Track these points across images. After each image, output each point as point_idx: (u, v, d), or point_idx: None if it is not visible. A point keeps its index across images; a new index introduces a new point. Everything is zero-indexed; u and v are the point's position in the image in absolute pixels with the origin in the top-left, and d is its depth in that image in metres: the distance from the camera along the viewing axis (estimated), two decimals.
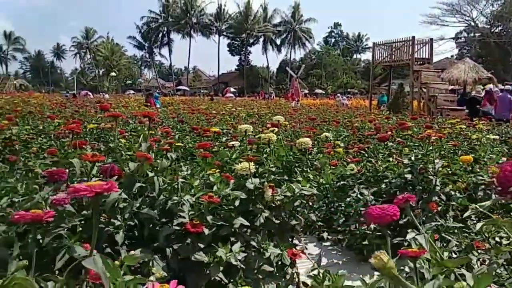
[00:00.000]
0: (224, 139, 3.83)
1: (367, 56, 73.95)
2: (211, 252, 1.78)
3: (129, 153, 1.87)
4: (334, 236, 2.96)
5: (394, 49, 17.12)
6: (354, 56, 74.89)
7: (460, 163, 2.92)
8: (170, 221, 1.83)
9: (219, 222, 1.87)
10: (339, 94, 38.69)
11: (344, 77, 60.76)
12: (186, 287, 0.72)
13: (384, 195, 2.79)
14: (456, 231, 2.57)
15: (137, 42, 63.13)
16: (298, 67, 52.63)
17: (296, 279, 2.21)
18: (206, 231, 1.75)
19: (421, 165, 2.69)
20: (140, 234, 1.77)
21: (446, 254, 0.94)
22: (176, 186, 1.85)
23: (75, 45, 67.42)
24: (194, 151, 3.43)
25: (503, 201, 2.56)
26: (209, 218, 1.83)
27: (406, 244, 1.66)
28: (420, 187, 2.70)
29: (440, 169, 2.69)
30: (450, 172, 2.79)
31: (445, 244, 2.29)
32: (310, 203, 2.54)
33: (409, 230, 2.32)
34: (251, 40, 64.20)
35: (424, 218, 2.56)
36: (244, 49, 65.17)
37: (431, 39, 16.95)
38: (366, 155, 3.20)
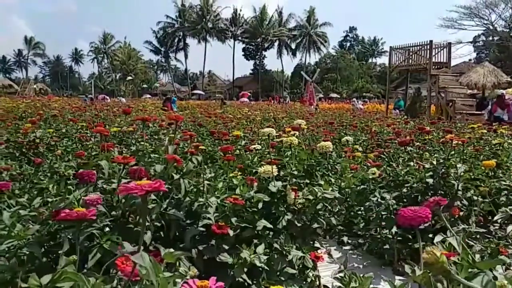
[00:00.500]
0: (243, 142, 3.86)
1: (382, 60, 73.44)
2: (235, 253, 1.81)
3: (155, 155, 1.92)
4: (354, 240, 2.95)
5: (411, 53, 16.97)
6: (370, 60, 74.37)
7: (482, 168, 2.89)
8: (195, 222, 1.86)
9: (243, 224, 1.90)
10: (354, 99, 38.46)
11: (359, 81, 60.37)
12: None
13: (405, 200, 2.78)
14: (478, 236, 2.55)
15: (154, 46, 63.90)
16: (313, 71, 52.48)
17: (317, 282, 2.23)
18: (231, 232, 1.78)
19: (443, 170, 2.67)
20: (166, 234, 1.81)
21: (477, 256, 0.94)
22: (201, 188, 1.89)
23: (93, 50, 68.63)
24: (214, 154, 3.48)
25: None
26: (233, 220, 1.86)
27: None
28: (442, 192, 2.69)
29: (462, 173, 2.67)
30: (472, 177, 2.76)
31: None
32: (330, 207, 2.55)
33: (430, 235, 2.31)
34: (266, 45, 64.35)
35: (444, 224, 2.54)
36: (259, 53, 65.37)
37: (449, 43, 16.74)
38: (386, 159, 3.19)
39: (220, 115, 9.10)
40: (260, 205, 1.97)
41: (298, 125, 2.56)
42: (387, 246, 2.66)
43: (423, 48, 16.46)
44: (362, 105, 25.98)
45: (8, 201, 1.78)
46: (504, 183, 2.78)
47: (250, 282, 1.83)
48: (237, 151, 2.84)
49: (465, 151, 3.26)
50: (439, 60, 16.46)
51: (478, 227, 2.57)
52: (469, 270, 1.02)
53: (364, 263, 2.67)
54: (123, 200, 1.60)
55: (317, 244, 2.33)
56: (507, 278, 0.85)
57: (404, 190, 2.78)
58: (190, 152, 1.95)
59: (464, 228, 2.46)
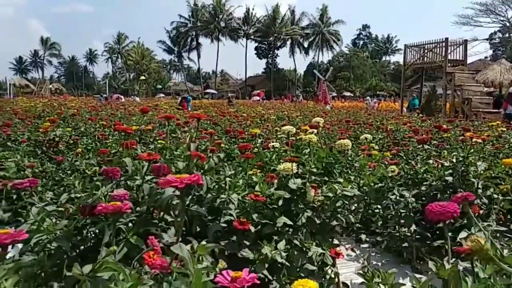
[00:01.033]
0: (259, 141, 3.88)
1: (396, 58, 72.77)
2: (256, 249, 1.83)
3: (177, 153, 1.95)
4: (372, 238, 2.95)
5: (426, 51, 16.78)
6: (383, 58, 73.75)
7: (502, 166, 2.86)
8: (216, 218, 1.89)
9: (263, 221, 1.92)
10: (368, 97, 38.17)
11: (373, 80, 59.90)
12: None
13: (424, 198, 2.76)
14: (498, 234, 2.53)
15: (167, 46, 64.38)
16: (326, 70, 52.28)
17: (336, 279, 2.24)
18: (252, 228, 1.80)
19: (462, 168, 2.65)
20: (188, 230, 1.84)
21: (506, 251, 0.95)
22: (222, 185, 1.92)
23: (107, 50, 69.48)
24: (231, 152, 3.50)
25: None
26: (254, 216, 1.88)
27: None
28: (461, 190, 2.67)
29: (482, 172, 2.65)
30: (492, 175, 2.74)
31: None
32: (348, 205, 2.55)
33: (450, 233, 2.30)
34: (279, 43, 64.27)
35: (465, 221, 2.53)
36: (271, 52, 65.33)
37: (465, 40, 16.53)
38: (404, 157, 3.18)
39: (233, 114, 9.15)
40: (280, 202, 1.99)
41: (316, 123, 2.57)
42: (405, 244, 2.65)
43: (438, 46, 16.27)
44: (377, 103, 25.77)
45: (33, 197, 1.84)
46: None
47: (271, 278, 1.85)
48: (255, 149, 2.86)
49: (484, 149, 3.23)
50: (455, 58, 16.27)
51: (498, 225, 2.56)
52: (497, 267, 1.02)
53: (383, 261, 2.67)
54: (148, 196, 1.63)
55: (335, 241, 2.33)
56: None
57: (423, 188, 2.76)
58: (211, 149, 1.98)
59: (484, 227, 2.44)
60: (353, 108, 19.04)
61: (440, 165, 2.82)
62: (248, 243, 1.86)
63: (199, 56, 64.34)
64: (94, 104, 14.53)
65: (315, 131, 2.60)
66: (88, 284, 0.78)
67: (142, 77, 52.65)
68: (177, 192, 1.65)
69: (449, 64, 15.83)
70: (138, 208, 1.68)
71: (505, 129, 4.36)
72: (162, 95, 45.03)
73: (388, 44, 74.14)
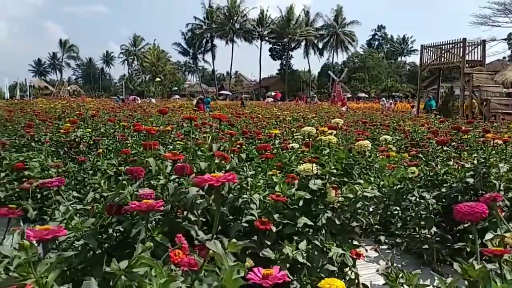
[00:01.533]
0: (276, 142, 3.89)
1: (412, 58, 71.88)
2: (277, 249, 1.85)
3: (200, 153, 1.98)
4: (391, 240, 2.94)
5: (443, 52, 16.56)
6: (399, 59, 72.98)
7: None
8: (238, 218, 1.92)
9: (284, 221, 1.94)
10: (383, 98, 37.81)
11: (388, 81, 59.32)
12: None
13: (444, 199, 2.74)
14: None
15: (182, 48, 64.86)
16: (341, 71, 52.00)
17: (356, 281, 2.23)
18: (274, 228, 1.82)
19: (484, 170, 2.62)
20: (210, 229, 1.87)
21: None
22: (244, 185, 1.94)
23: (124, 52, 70.39)
24: (249, 153, 3.53)
25: None
26: (275, 216, 1.90)
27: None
28: (483, 192, 2.64)
29: (504, 173, 2.61)
30: None
31: None
32: (367, 206, 2.55)
33: (470, 235, 2.28)
34: (293, 45, 64.17)
35: (487, 224, 2.50)
36: (285, 53, 65.26)
37: (484, 41, 16.26)
38: (424, 158, 3.16)
39: (249, 115, 9.18)
40: (300, 203, 2.00)
41: (335, 124, 2.57)
42: (426, 246, 2.63)
43: (456, 46, 16.05)
44: (392, 104, 25.52)
45: (60, 196, 1.89)
46: None
47: (292, 278, 1.87)
48: (274, 149, 2.88)
49: (504, 151, 3.19)
50: (472, 58, 16.01)
51: None
52: None
53: (403, 263, 2.66)
54: (173, 195, 1.66)
55: (355, 242, 2.33)
56: None
57: (443, 189, 2.74)
58: (232, 150, 2.00)
59: (507, 230, 2.41)
60: (369, 110, 18.89)
61: (460, 167, 2.79)
62: (269, 243, 1.88)
63: (213, 58, 64.71)
64: (112, 105, 14.75)
65: (334, 132, 2.60)
66: (124, 279, 0.81)
67: (158, 79, 53.21)
68: (201, 192, 1.68)
69: (467, 65, 15.59)
70: (162, 208, 1.72)
71: None
72: (177, 96, 45.43)
73: (403, 45, 73.34)
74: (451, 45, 16.28)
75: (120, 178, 1.82)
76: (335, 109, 17.81)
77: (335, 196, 2.08)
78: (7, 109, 8.98)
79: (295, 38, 61.18)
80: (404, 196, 2.85)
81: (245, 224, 1.86)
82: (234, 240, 0.93)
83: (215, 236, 1.38)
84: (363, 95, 52.68)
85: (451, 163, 2.95)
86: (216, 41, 63.69)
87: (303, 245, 1.84)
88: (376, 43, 75.28)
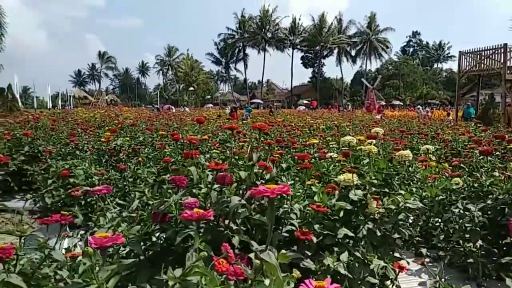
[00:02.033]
0: (312, 150, 3.87)
1: (449, 65, 69.88)
2: (317, 260, 1.84)
3: (240, 162, 2.00)
4: (433, 253, 2.85)
5: (483, 58, 15.99)
6: (435, 66, 71.08)
7: None
8: (278, 227, 1.92)
9: (324, 231, 1.92)
10: (419, 106, 36.85)
11: (423, 88, 57.83)
12: None
13: (490, 212, 2.64)
14: None
15: (215, 58, 65.93)
16: (374, 78, 51.21)
17: None
18: (315, 239, 1.81)
19: None
20: (251, 238, 1.88)
21: None
22: (284, 195, 1.94)
23: (158, 62, 72.32)
24: (285, 161, 3.52)
25: None
26: (316, 227, 1.89)
27: None
28: None
29: None
30: None
31: None
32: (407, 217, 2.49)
33: None
34: (325, 52, 63.83)
35: None
36: (317, 61, 64.98)
37: None
38: (467, 169, 3.05)
39: (282, 123, 9.18)
40: (341, 213, 1.98)
41: (375, 133, 2.54)
42: (470, 260, 2.54)
43: (496, 52, 15.46)
44: (429, 112, 24.82)
45: (106, 203, 1.96)
46: None
47: None
48: (312, 159, 2.87)
49: None
50: None
51: None
52: None
53: (446, 277, 2.57)
54: (215, 204, 1.69)
55: (397, 254, 2.28)
56: None
57: (489, 201, 2.64)
58: (272, 159, 2.01)
59: None
60: (404, 117, 18.44)
61: (507, 178, 2.68)
62: (309, 253, 1.87)
63: (245, 67, 65.31)
64: (148, 114, 15.15)
65: (374, 141, 2.56)
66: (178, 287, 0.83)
67: (191, 88, 54.25)
68: (243, 201, 1.70)
69: (508, 71, 14.98)
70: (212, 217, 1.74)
71: None
72: (210, 105, 46.18)
73: (440, 51, 71.43)
74: (491, 51, 15.72)
75: (164, 186, 1.86)
76: (369, 117, 17.51)
77: (376, 207, 2.05)
78: (51, 118, 9.40)
79: (327, 45, 60.85)
80: (447, 208, 2.77)
81: (286, 234, 1.86)
82: (283, 251, 0.93)
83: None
84: (397, 102, 51.59)
85: (496, 174, 2.83)
86: (248, 50, 64.35)
87: (344, 256, 1.82)
88: (411, 49, 73.73)
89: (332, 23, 61.10)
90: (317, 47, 61.63)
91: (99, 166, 3.94)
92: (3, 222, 3.40)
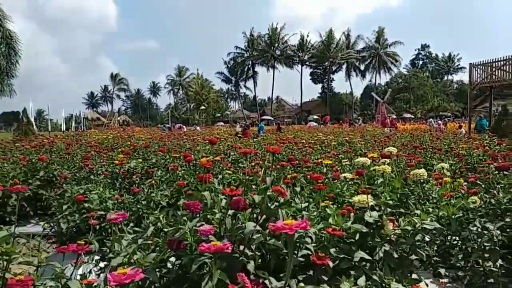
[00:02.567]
0: (324, 169, 3.85)
1: (459, 76, 69.53)
2: (334, 284, 1.81)
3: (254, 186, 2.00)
4: (452, 273, 2.78)
5: (494, 69, 15.89)
6: (445, 78, 70.77)
7: None
8: (294, 252, 1.90)
9: (341, 256, 1.90)
10: (431, 119, 36.57)
11: (434, 100, 57.50)
12: None
13: (509, 230, 2.58)
14: None
15: (224, 76, 66.74)
16: (384, 92, 51.09)
17: None
18: (331, 263, 1.78)
19: None
20: (266, 263, 1.86)
21: None
22: (297, 218, 1.93)
23: (169, 82, 73.41)
24: (298, 181, 3.51)
25: None
26: (332, 250, 1.87)
27: None
28: None
29: None
30: None
31: None
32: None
33: None
34: (334, 68, 64.15)
35: None
36: (326, 76, 65.24)
37: None
38: (484, 186, 3.00)
39: (293, 139, 9.17)
40: (357, 236, 1.96)
41: (388, 152, 2.52)
42: (491, 280, 2.48)
43: (507, 63, 15.35)
44: (441, 125, 24.56)
45: (121, 229, 1.97)
46: None
47: None
48: (325, 179, 2.85)
49: None
50: None
51: None
52: None
53: None
54: (230, 231, 1.68)
55: (414, 276, 2.24)
56: None
57: (507, 219, 2.58)
58: (286, 182, 2.01)
59: None
60: (416, 131, 18.28)
61: None
62: (326, 278, 1.84)
63: (255, 84, 65.88)
64: (160, 134, 15.30)
65: (388, 160, 2.55)
66: None
67: (202, 107, 54.75)
68: (258, 227, 1.70)
69: None
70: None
71: None
72: (221, 123, 46.54)
73: (449, 63, 71.21)
74: (502, 62, 15.61)
75: (179, 212, 1.86)
76: (380, 131, 17.39)
77: (392, 228, 2.02)
78: (66, 141, 9.55)
79: (336, 61, 61.18)
80: (464, 226, 2.71)
81: (301, 259, 1.84)
82: (302, 285, 0.92)
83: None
84: (408, 115, 51.30)
85: None
86: (258, 68, 65.04)
87: (362, 281, 1.79)
88: (420, 62, 73.68)
89: (340, 38, 61.55)
90: (326, 63, 62.01)
91: (113, 189, 3.96)
92: (19, 247, 3.43)
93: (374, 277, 1.94)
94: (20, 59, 21.03)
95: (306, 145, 7.55)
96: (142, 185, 4.01)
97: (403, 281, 1.99)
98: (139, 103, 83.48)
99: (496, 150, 5.61)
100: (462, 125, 22.01)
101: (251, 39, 62.12)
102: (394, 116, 41.51)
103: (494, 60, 16.05)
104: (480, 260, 2.52)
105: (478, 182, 3.19)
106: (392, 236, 2.10)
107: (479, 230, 2.50)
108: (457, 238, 2.88)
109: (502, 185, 2.90)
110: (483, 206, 2.73)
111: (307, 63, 63.98)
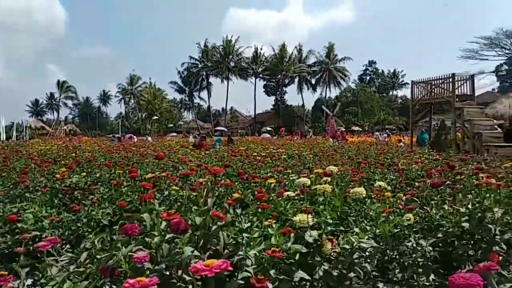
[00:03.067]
0: (272, 185, 3.88)
1: (403, 92, 73.33)
2: None
3: (194, 207, 1.98)
4: (390, 287, 2.89)
5: (433, 87, 16.93)
6: (390, 93, 74.44)
7: None
8: (233, 274, 1.89)
9: (281, 276, 1.92)
10: (376, 132, 38.22)
11: (381, 114, 60.25)
12: None
13: (441, 245, 2.73)
14: None
15: (178, 86, 65.95)
16: (334, 105, 52.81)
17: None
18: (270, 285, 1.79)
19: (479, 214, 2.63)
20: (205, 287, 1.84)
21: None
22: (239, 240, 1.93)
23: (120, 91, 71.34)
24: (244, 198, 3.51)
25: None
26: (271, 272, 1.88)
27: None
28: (479, 237, 2.64)
29: (498, 217, 2.62)
30: (510, 221, 2.70)
31: None
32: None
33: None
34: (287, 81, 65.50)
35: None
36: (279, 89, 66.39)
37: (473, 76, 16.68)
38: (418, 201, 3.16)
39: (244, 153, 9.20)
40: (297, 256, 1.99)
41: (330, 171, 2.60)
42: None
43: (445, 81, 16.41)
44: (386, 138, 25.77)
45: (52, 255, 1.87)
46: None
47: None
48: (270, 197, 2.88)
49: (499, 192, 3.20)
50: (462, 92, 16.34)
51: None
52: None
53: None
54: (167, 256, 1.65)
55: None
56: None
57: (440, 234, 2.73)
58: (228, 203, 2.01)
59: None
60: (363, 143, 19.02)
61: (456, 211, 2.80)
62: None
63: (209, 95, 65.69)
64: (107, 145, 14.78)
65: (329, 179, 2.62)
66: None
67: (155, 117, 53.69)
68: (196, 253, 1.68)
69: (457, 99, 15.89)
70: (156, 267, 1.70)
71: None
72: (174, 134, 45.82)
73: (394, 79, 75.01)
74: (440, 81, 16.67)
75: (114, 237, 1.80)
76: (329, 143, 17.92)
77: (332, 247, 2.07)
78: (3, 153, 8.97)
79: (288, 74, 62.50)
80: (401, 241, 2.83)
81: (241, 282, 1.83)
82: None
83: None
84: (356, 128, 53.36)
85: (446, 207, 2.95)
86: (212, 79, 65.00)
87: None
88: (368, 77, 77.02)
89: (292, 52, 63.02)
90: (279, 76, 63.16)
91: (51, 207, 3.76)
92: None
93: None
94: None
95: (258, 157, 7.60)
96: (84, 202, 3.84)
97: None
98: (88, 112, 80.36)
99: (434, 165, 5.94)
100: (401, 139, 23.22)
101: (205, 50, 62.07)
102: (343, 129, 42.94)
103: (433, 78, 17.10)
104: (415, 275, 2.64)
105: (415, 198, 3.35)
106: (332, 255, 2.15)
107: (414, 246, 2.62)
108: (395, 253, 2.99)
109: (435, 201, 3.07)
110: (418, 221, 2.87)
111: (261, 75, 64.88)
